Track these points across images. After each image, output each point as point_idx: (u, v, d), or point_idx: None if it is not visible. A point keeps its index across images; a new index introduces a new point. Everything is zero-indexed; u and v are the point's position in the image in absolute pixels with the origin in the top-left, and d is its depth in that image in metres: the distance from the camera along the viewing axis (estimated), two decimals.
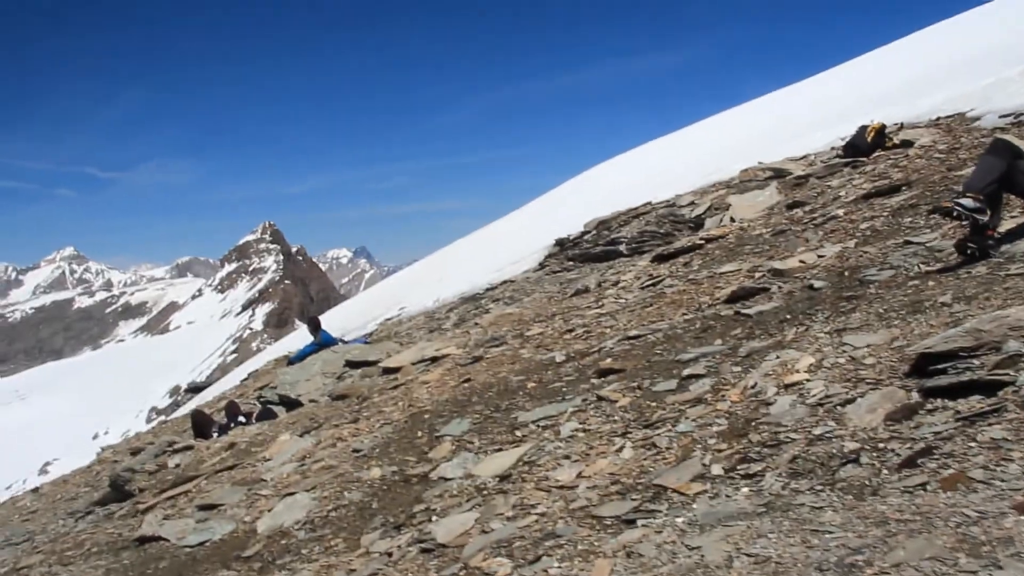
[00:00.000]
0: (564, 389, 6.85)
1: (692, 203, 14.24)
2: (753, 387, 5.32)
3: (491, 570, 4.36)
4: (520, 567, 4.28)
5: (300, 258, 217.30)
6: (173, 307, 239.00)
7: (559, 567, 4.11)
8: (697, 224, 13.04)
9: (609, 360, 7.14)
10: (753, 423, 4.82)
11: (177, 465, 10.21)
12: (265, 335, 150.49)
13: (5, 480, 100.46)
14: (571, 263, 14.88)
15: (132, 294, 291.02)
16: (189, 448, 10.84)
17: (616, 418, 5.75)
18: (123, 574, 6.61)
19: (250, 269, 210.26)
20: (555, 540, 4.40)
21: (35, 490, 18.05)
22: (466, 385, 8.09)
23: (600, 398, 6.21)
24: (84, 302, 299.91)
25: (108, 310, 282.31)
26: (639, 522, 4.24)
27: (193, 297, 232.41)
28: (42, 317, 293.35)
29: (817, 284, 7.10)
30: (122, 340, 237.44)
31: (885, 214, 8.63)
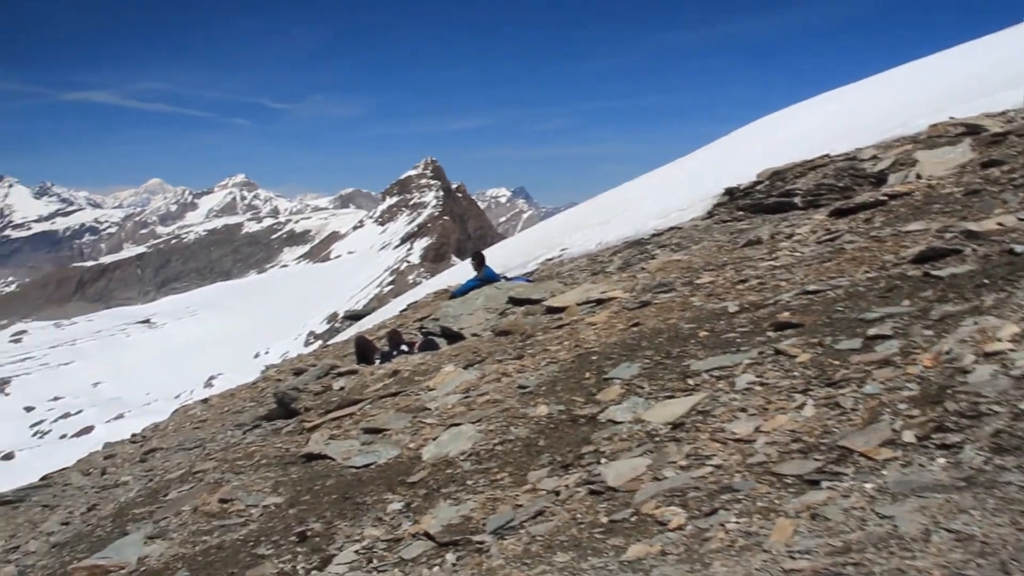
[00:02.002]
0: (738, 340, 6.63)
1: (874, 157, 13.60)
2: (947, 353, 5.00)
3: (664, 518, 4.26)
4: (695, 518, 4.17)
5: (460, 195, 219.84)
6: (335, 236, 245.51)
7: (737, 522, 3.98)
8: (879, 179, 12.44)
9: (787, 314, 6.86)
10: (949, 391, 4.53)
11: (341, 388, 10.45)
12: (421, 269, 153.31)
13: (175, 389, 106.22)
14: (741, 213, 14.47)
15: (297, 222, 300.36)
16: (353, 372, 11.09)
17: (796, 374, 5.52)
18: (291, 487, 6.80)
19: (410, 203, 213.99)
20: (732, 494, 4.26)
21: (204, 401, 18.91)
22: (635, 329, 7.94)
23: (778, 352, 5.96)
24: (252, 227, 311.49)
25: (274, 236, 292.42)
26: (823, 483, 4.05)
27: (354, 228, 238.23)
28: (213, 240, 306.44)
29: (1018, 249, 6.64)
30: (285, 266, 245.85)
31: None
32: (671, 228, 16.13)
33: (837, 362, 5.47)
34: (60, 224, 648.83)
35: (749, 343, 6.45)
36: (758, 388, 5.51)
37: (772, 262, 9.41)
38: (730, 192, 16.21)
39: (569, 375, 7.16)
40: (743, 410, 5.26)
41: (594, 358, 7.37)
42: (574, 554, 4.27)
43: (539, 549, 4.45)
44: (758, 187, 15.14)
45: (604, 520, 4.51)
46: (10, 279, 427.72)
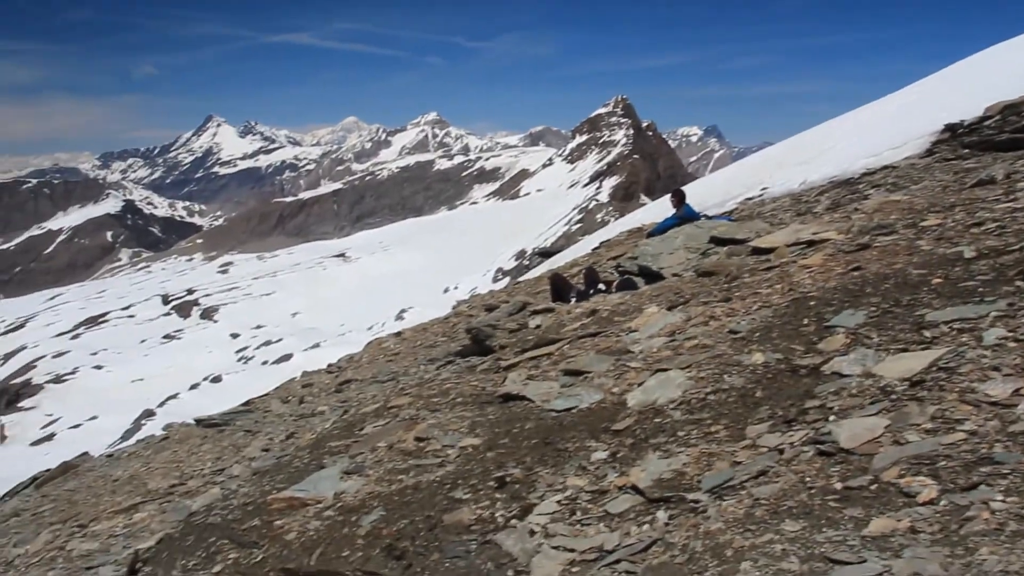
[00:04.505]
0: (980, 289, 5.93)
1: None
2: None
3: (912, 489, 3.75)
4: (949, 492, 3.65)
5: (650, 134, 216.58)
6: (524, 174, 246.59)
7: (1004, 501, 3.44)
8: None
9: None
10: None
11: (538, 326, 10.19)
12: (610, 208, 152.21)
13: (368, 321, 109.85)
14: (967, 151, 13.32)
15: (487, 160, 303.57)
16: (549, 311, 10.82)
17: None
18: (489, 429, 6.57)
19: (600, 142, 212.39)
20: (993, 467, 3.71)
21: (397, 334, 19.15)
22: (856, 274, 7.29)
23: None
24: (443, 165, 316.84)
25: (464, 173, 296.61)
26: None
27: (544, 166, 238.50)
28: (406, 176, 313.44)
29: None
30: (475, 203, 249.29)
31: None
32: (884, 167, 15.07)
33: None
34: (263, 161, 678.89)
35: (995, 293, 5.75)
36: (1012, 344, 4.86)
37: (1011, 203, 8.52)
38: (951, 128, 15.00)
39: (785, 321, 6.62)
40: (995, 368, 4.63)
41: (812, 303, 6.80)
42: (805, 523, 3.84)
43: (764, 514, 4.03)
44: (987, 123, 13.91)
45: (838, 486, 4.04)
46: (218, 213, 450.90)
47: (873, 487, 3.90)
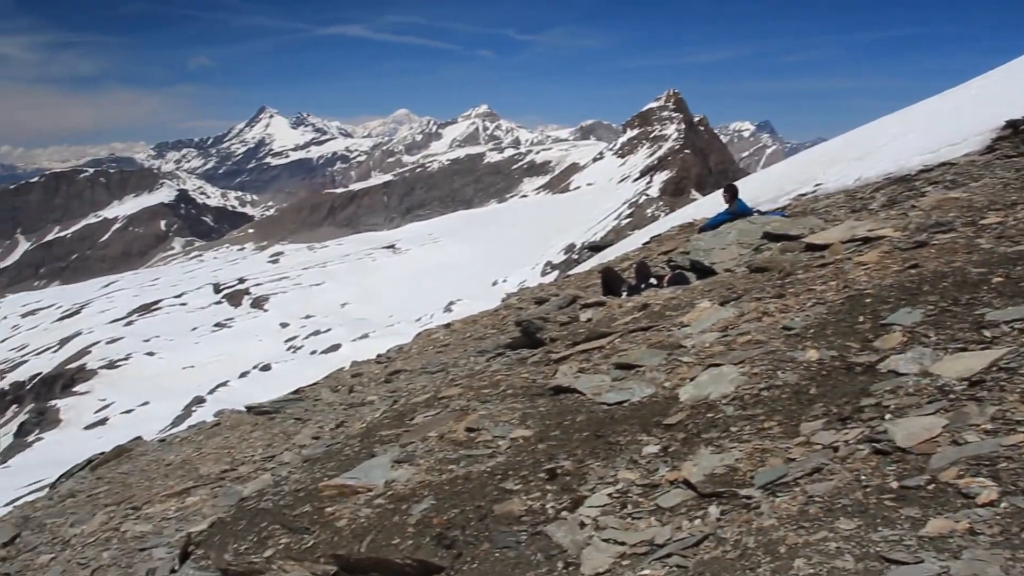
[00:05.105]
0: None
1: None
2: None
3: (971, 491, 3.70)
4: (1010, 494, 3.59)
5: (702, 128, 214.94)
6: (574, 168, 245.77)
7: None
8: None
9: None
10: None
11: (589, 319, 10.18)
12: (660, 203, 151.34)
13: (416, 312, 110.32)
14: None
15: (537, 153, 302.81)
16: (600, 304, 10.79)
17: None
18: (540, 421, 6.57)
19: (651, 136, 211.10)
20: None
21: (447, 325, 19.21)
22: (913, 272, 7.19)
23: None
24: (493, 157, 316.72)
25: (514, 166, 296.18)
26: None
27: (594, 160, 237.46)
28: (456, 169, 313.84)
29: None
30: (525, 196, 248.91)
31: None
32: (942, 164, 14.85)
33: None
34: (314, 152, 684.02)
35: None
36: None
37: None
38: (1014, 125, 14.77)
39: (840, 318, 6.54)
40: None
41: (867, 301, 6.71)
42: (860, 521, 3.79)
43: (818, 512, 3.99)
44: None
45: (894, 485, 3.99)
46: (269, 204, 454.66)
47: (930, 487, 3.85)
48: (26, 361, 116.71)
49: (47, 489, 15.79)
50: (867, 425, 4.65)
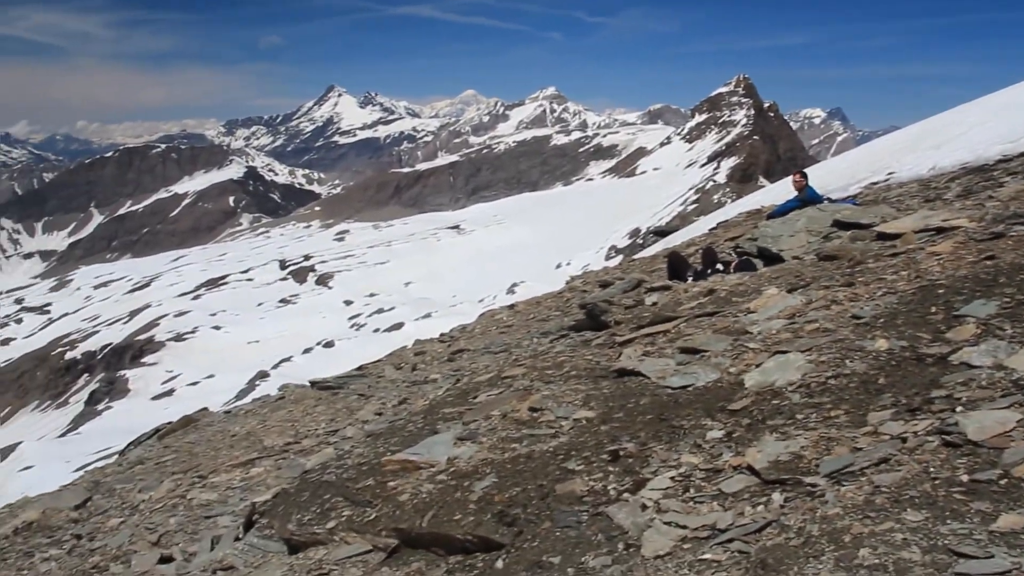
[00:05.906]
0: None
1: None
2: None
3: None
4: None
5: (771, 115, 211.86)
6: (641, 152, 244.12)
7: None
8: None
9: None
10: None
11: (654, 303, 10.13)
12: (727, 189, 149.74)
13: (479, 293, 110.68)
14: None
15: (604, 136, 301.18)
16: (666, 288, 10.73)
17: None
18: (603, 403, 6.56)
19: (719, 121, 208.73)
20: None
21: (511, 306, 19.23)
22: (988, 263, 7.04)
23: None
24: (560, 140, 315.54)
25: (581, 149, 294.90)
26: None
27: (661, 144, 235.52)
28: (522, 151, 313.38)
29: None
30: (591, 179, 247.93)
31: None
32: (1022, 154, 14.51)
33: None
34: (381, 132, 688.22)
35: None
36: None
37: None
38: None
39: (911, 308, 6.43)
40: None
41: (940, 291, 6.59)
42: (928, 513, 3.74)
43: (884, 502, 3.94)
44: None
45: (964, 479, 3.93)
46: (336, 182, 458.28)
47: (1003, 482, 3.78)
48: (97, 332, 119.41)
49: (116, 456, 16.17)
50: (937, 417, 4.58)
